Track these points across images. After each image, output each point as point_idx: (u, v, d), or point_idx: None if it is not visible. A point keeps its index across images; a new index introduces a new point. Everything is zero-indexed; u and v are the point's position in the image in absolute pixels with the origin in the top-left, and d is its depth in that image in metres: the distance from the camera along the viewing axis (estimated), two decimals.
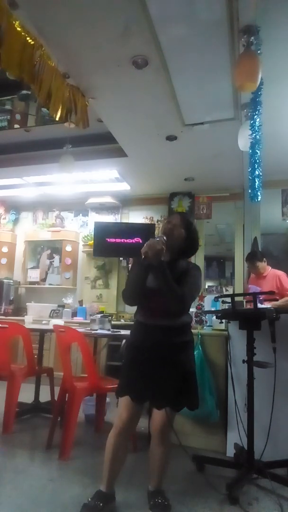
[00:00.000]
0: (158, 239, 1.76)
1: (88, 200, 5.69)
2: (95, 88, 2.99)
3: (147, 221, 5.36)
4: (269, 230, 5.64)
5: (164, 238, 1.79)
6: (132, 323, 2.04)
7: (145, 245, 1.75)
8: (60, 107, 2.75)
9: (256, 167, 2.71)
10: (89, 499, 1.78)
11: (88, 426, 3.10)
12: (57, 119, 2.80)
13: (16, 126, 4.09)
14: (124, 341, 2.95)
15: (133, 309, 2.01)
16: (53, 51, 2.57)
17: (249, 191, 2.81)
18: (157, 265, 1.73)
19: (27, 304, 5.44)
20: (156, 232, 2.02)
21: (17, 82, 3.07)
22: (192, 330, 2.88)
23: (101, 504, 1.76)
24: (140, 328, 1.91)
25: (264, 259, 3.90)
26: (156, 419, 1.81)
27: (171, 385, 1.77)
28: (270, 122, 3.10)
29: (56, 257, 5.93)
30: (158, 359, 1.79)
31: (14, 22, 2.29)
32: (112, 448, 1.79)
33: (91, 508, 1.74)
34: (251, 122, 2.65)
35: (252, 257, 3.91)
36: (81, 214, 6.01)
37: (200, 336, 2.81)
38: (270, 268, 3.96)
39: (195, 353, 2.71)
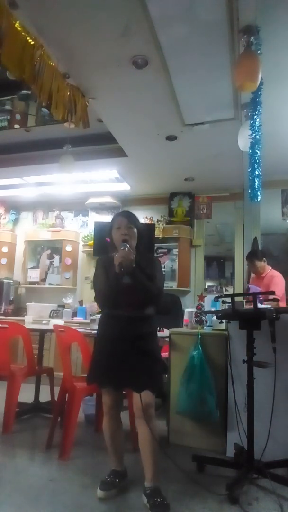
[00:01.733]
0: (123, 248, 1.93)
1: (88, 200, 5.69)
2: (95, 88, 2.99)
3: (147, 221, 5.35)
4: (269, 230, 5.65)
5: (127, 245, 1.95)
6: None
7: (117, 256, 1.93)
8: (61, 107, 2.75)
9: (256, 167, 2.71)
10: (106, 477, 2.02)
11: (88, 426, 3.10)
12: (59, 119, 2.80)
13: (16, 126, 4.09)
14: None
15: None
16: (53, 51, 2.57)
17: (249, 191, 2.81)
18: (132, 272, 1.93)
19: (27, 304, 5.44)
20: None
21: (17, 82, 3.08)
22: (192, 330, 2.93)
23: (117, 480, 2.02)
24: (111, 320, 2.05)
25: (264, 259, 3.89)
26: (138, 401, 1.89)
27: (134, 370, 1.92)
28: (270, 122, 3.10)
29: (56, 257, 5.93)
30: (125, 348, 1.94)
31: (14, 22, 2.29)
32: (109, 431, 2.05)
33: (109, 484, 1.98)
34: (251, 122, 2.65)
35: (252, 256, 3.90)
36: (81, 214, 6.01)
37: (200, 336, 2.81)
38: (271, 268, 3.95)
39: (195, 353, 2.75)
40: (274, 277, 3.78)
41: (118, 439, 2.08)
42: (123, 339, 1.97)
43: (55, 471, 2.30)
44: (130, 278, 1.95)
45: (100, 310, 4.38)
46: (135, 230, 2.09)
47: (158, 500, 1.80)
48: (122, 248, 1.95)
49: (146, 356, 1.96)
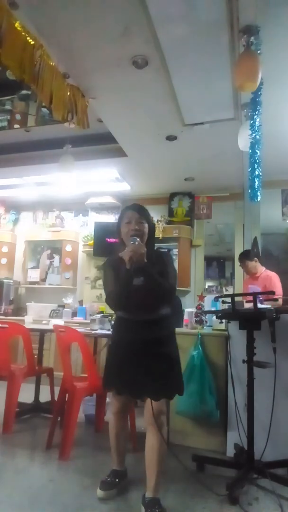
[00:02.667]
0: (133, 242, 1.82)
1: (88, 200, 5.69)
2: (95, 88, 2.99)
3: None
4: (269, 230, 5.65)
5: (138, 239, 1.84)
6: None
7: (127, 251, 1.81)
8: (61, 107, 2.75)
9: (256, 167, 2.71)
10: (106, 477, 2.00)
11: (88, 426, 3.10)
12: (59, 119, 2.80)
13: (16, 126, 4.09)
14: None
15: None
16: (53, 51, 2.57)
17: (249, 191, 2.81)
18: (143, 267, 1.81)
19: (27, 304, 5.44)
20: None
21: (17, 82, 3.08)
22: (192, 330, 2.93)
23: (117, 480, 1.99)
24: (123, 323, 1.96)
25: (256, 259, 3.94)
26: (150, 407, 1.82)
27: (152, 377, 1.83)
28: (270, 122, 3.10)
29: (56, 257, 5.93)
30: (142, 353, 1.85)
31: (14, 22, 2.29)
32: (114, 430, 2.03)
33: (109, 484, 1.96)
34: (251, 122, 2.64)
35: (243, 257, 3.93)
36: (81, 214, 6.01)
37: (200, 336, 2.81)
38: (264, 269, 4.02)
39: (195, 353, 2.74)
40: (271, 277, 3.83)
41: (122, 440, 2.07)
42: (138, 344, 1.87)
43: (55, 471, 2.30)
44: (141, 274, 1.83)
45: (100, 311, 4.33)
46: (146, 225, 1.96)
47: (156, 511, 1.72)
48: (132, 242, 1.83)
49: (163, 362, 1.86)
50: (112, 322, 3.61)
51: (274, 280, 3.80)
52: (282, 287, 3.82)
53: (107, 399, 3.10)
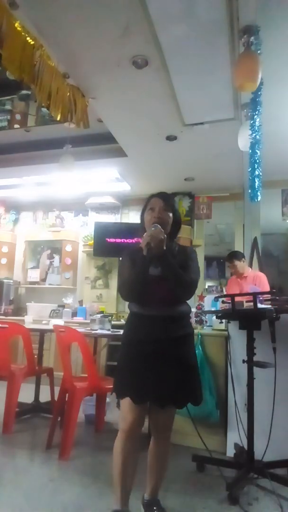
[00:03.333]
0: (154, 228, 1.67)
1: (88, 200, 5.69)
2: (95, 88, 2.99)
3: None
4: (269, 230, 5.65)
5: (159, 226, 1.68)
6: None
7: (145, 236, 1.66)
8: (61, 107, 2.75)
9: (256, 167, 2.71)
10: None
11: (88, 426, 3.10)
12: (58, 119, 2.80)
13: (16, 126, 4.09)
14: None
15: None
16: (53, 51, 2.57)
17: (249, 191, 2.81)
18: (162, 255, 1.65)
19: (27, 304, 5.44)
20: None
21: (17, 82, 3.08)
22: None
23: None
24: (138, 320, 1.73)
25: (243, 259, 3.98)
26: (158, 418, 1.72)
27: (175, 382, 1.64)
28: (270, 122, 3.10)
29: (56, 257, 5.93)
30: (160, 354, 1.65)
31: (14, 22, 2.29)
32: (122, 456, 1.62)
33: None
34: (251, 122, 2.64)
35: (232, 257, 3.96)
36: (81, 214, 6.02)
37: (200, 336, 2.81)
38: (251, 269, 4.10)
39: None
40: (260, 277, 3.89)
41: (132, 469, 1.66)
42: (155, 343, 1.65)
43: (55, 471, 2.30)
44: (159, 263, 1.67)
45: (100, 311, 4.30)
46: (171, 215, 1.77)
47: (156, 510, 1.73)
48: (153, 228, 1.67)
49: (177, 365, 1.67)
50: (113, 322, 3.62)
51: (264, 280, 3.87)
52: (282, 287, 3.85)
53: (107, 399, 3.10)
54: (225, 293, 4.52)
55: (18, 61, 2.35)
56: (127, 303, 1.83)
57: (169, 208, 1.77)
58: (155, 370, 1.63)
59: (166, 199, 1.79)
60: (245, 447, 2.25)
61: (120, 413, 1.70)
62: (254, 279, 3.84)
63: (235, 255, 3.98)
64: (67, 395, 2.68)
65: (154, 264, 1.68)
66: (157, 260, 1.67)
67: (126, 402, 1.65)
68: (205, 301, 3.21)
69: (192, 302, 3.28)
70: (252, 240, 4.93)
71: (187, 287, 1.70)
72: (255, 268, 4.66)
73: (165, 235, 1.67)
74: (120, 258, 1.90)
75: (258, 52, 2.29)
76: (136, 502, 1.82)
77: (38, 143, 4.39)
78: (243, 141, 2.94)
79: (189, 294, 1.73)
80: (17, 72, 2.39)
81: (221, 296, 2.65)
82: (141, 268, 1.67)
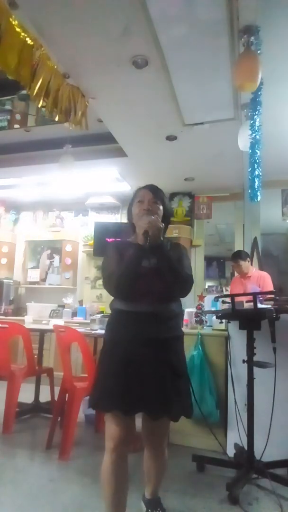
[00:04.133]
0: (150, 217, 1.55)
1: (88, 200, 5.69)
2: (95, 88, 2.99)
3: None
4: (269, 230, 5.65)
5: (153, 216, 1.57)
6: None
7: (142, 223, 1.52)
8: (60, 107, 2.75)
9: (256, 167, 2.71)
10: None
11: (88, 426, 3.10)
12: (56, 119, 2.80)
13: (16, 126, 4.09)
14: None
15: None
16: (53, 51, 2.57)
17: (249, 191, 2.81)
18: (159, 245, 1.51)
19: (27, 304, 5.44)
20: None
21: (17, 82, 3.07)
22: (192, 330, 2.93)
23: None
24: (125, 319, 1.54)
25: (248, 259, 3.99)
26: (153, 429, 1.59)
27: (167, 390, 1.47)
28: (270, 122, 3.10)
29: (56, 257, 5.93)
30: (149, 358, 1.47)
31: (13, 22, 2.29)
32: (112, 477, 1.46)
33: None
34: (251, 122, 2.64)
35: (236, 257, 3.96)
36: (81, 214, 6.02)
37: (200, 336, 2.81)
38: (255, 269, 4.12)
39: (195, 353, 2.74)
40: (264, 277, 3.90)
41: (123, 491, 1.52)
42: (143, 346, 1.48)
43: (55, 471, 2.30)
44: (156, 254, 1.51)
45: (100, 311, 4.26)
46: (161, 208, 1.65)
47: (158, 510, 1.72)
48: (147, 216, 1.55)
49: (176, 372, 1.52)
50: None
51: (268, 280, 3.88)
52: (281, 287, 3.86)
53: None
54: (228, 293, 4.52)
55: (15, 61, 2.35)
56: (112, 300, 1.65)
57: (158, 201, 1.66)
58: (144, 376, 1.45)
59: (155, 191, 1.69)
60: (245, 447, 2.25)
61: (106, 429, 1.49)
62: (258, 279, 3.84)
63: (239, 255, 3.97)
64: (67, 395, 2.68)
65: (146, 256, 1.52)
66: (152, 252, 1.50)
67: (111, 416, 1.47)
68: (205, 301, 3.21)
69: (192, 302, 3.29)
70: (252, 240, 4.93)
71: (184, 282, 1.56)
72: (255, 268, 4.66)
73: (163, 224, 1.56)
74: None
75: (258, 52, 2.29)
76: (136, 502, 1.82)
77: (38, 143, 4.39)
78: (243, 141, 2.94)
79: (186, 290, 1.58)
80: (14, 74, 2.38)
81: (221, 296, 2.65)
82: (134, 259, 1.51)
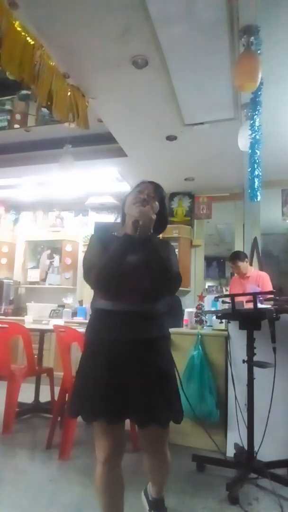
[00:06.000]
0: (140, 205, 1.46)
1: (88, 200, 5.69)
2: (95, 88, 2.99)
3: None
4: (269, 230, 5.66)
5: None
6: None
7: (133, 212, 1.43)
8: (63, 107, 2.75)
9: (256, 167, 2.71)
10: None
11: (88, 426, 3.08)
12: (60, 119, 2.80)
13: (16, 126, 4.09)
14: None
15: None
16: (53, 51, 2.57)
17: (249, 191, 2.81)
18: (149, 237, 1.41)
19: (27, 304, 5.44)
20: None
21: (17, 82, 3.07)
22: (192, 330, 2.93)
23: None
24: (106, 318, 1.44)
25: (246, 259, 3.99)
26: (145, 437, 1.50)
27: (154, 395, 1.37)
28: (270, 122, 3.10)
29: (56, 257, 5.93)
30: (133, 359, 1.38)
31: (14, 22, 2.29)
32: (105, 488, 1.39)
33: None
34: (251, 122, 2.65)
35: (235, 258, 3.96)
36: (81, 214, 6.02)
37: (200, 336, 2.81)
38: (254, 269, 4.10)
39: (195, 353, 2.74)
40: (263, 277, 3.90)
41: (119, 500, 1.44)
42: (127, 346, 1.38)
43: (55, 471, 2.30)
44: (145, 247, 1.41)
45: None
46: (158, 205, 1.54)
47: (162, 510, 1.70)
48: (140, 205, 1.45)
49: (163, 374, 1.42)
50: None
51: (267, 280, 3.87)
52: (282, 287, 3.85)
53: None
54: (227, 293, 4.53)
55: (18, 61, 2.35)
56: (93, 299, 1.57)
57: (157, 197, 1.55)
58: (128, 380, 1.35)
59: (157, 187, 1.60)
60: (245, 447, 2.25)
61: (95, 440, 1.42)
62: (257, 279, 3.84)
63: (238, 256, 3.97)
64: (67, 395, 2.68)
65: (133, 249, 1.41)
66: (140, 245, 1.40)
67: (97, 425, 1.38)
68: (205, 301, 3.21)
69: (192, 302, 3.29)
70: (252, 240, 4.93)
71: (174, 280, 1.44)
72: (255, 268, 4.66)
73: (155, 215, 1.44)
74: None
75: (258, 52, 2.29)
76: (136, 502, 1.82)
77: (38, 143, 4.39)
78: (243, 141, 2.94)
79: (175, 287, 1.46)
80: (16, 72, 2.39)
81: (221, 296, 2.65)
82: (120, 250, 1.40)
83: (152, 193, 1.55)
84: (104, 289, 1.46)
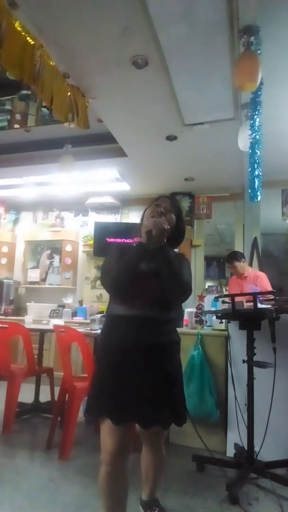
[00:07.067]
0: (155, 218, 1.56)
1: (88, 200, 5.69)
2: (95, 88, 2.99)
3: None
4: (269, 230, 5.66)
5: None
6: None
7: (147, 223, 1.51)
8: (63, 107, 2.75)
9: (256, 167, 2.71)
10: None
11: (88, 426, 3.09)
12: (61, 119, 2.80)
13: (16, 126, 4.09)
14: None
15: None
16: (53, 51, 2.57)
17: (249, 191, 2.81)
18: (161, 247, 1.49)
19: (27, 304, 5.44)
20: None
21: (17, 82, 3.07)
22: (192, 330, 2.93)
23: None
24: (119, 323, 1.52)
25: (243, 259, 3.99)
26: (151, 433, 1.57)
27: (160, 399, 1.45)
28: (270, 122, 3.10)
29: (56, 257, 5.93)
30: (143, 364, 1.45)
31: (14, 22, 2.29)
32: (109, 488, 1.42)
33: None
34: (251, 122, 2.64)
35: (231, 258, 3.96)
36: (81, 214, 6.01)
37: (200, 336, 2.81)
38: (251, 269, 4.11)
39: (195, 353, 2.74)
40: (261, 277, 3.90)
41: (122, 500, 1.48)
42: (138, 351, 1.45)
43: (55, 471, 2.30)
44: (157, 256, 1.49)
45: (100, 311, 4.24)
46: (174, 217, 1.64)
47: (156, 509, 1.72)
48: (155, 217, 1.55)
49: (170, 379, 1.50)
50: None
51: (264, 280, 3.88)
52: (281, 287, 3.85)
53: None
54: (227, 293, 4.53)
55: (18, 61, 2.35)
56: (108, 305, 1.65)
57: (173, 210, 1.65)
58: (136, 384, 1.43)
59: (173, 201, 1.70)
60: (245, 447, 2.25)
61: (101, 440, 1.45)
62: (255, 279, 3.85)
63: (234, 256, 3.98)
64: (67, 395, 2.68)
65: (146, 258, 1.51)
66: (153, 255, 1.49)
67: (104, 425, 1.43)
68: (205, 301, 3.21)
69: (192, 302, 3.29)
70: (252, 240, 4.93)
71: (183, 289, 1.52)
72: (255, 268, 4.67)
73: (168, 226, 1.53)
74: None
75: (258, 52, 2.29)
76: (134, 504, 1.82)
77: (38, 143, 4.39)
78: (243, 141, 2.94)
79: (183, 296, 1.55)
80: (16, 72, 2.39)
81: (221, 296, 2.65)
82: (134, 257, 1.49)
83: (169, 206, 1.64)
84: (118, 293, 1.55)
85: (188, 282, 1.56)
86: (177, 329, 1.66)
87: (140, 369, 1.45)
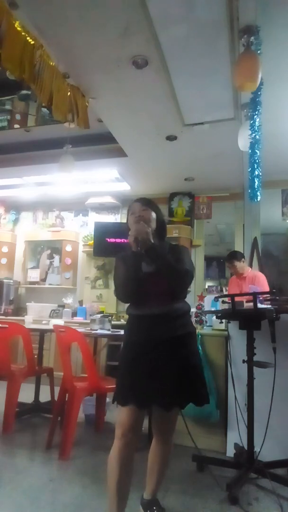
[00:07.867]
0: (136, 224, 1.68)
1: (88, 200, 5.69)
2: (95, 88, 2.99)
3: None
4: (269, 230, 5.65)
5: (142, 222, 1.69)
6: None
7: (131, 234, 1.63)
8: (63, 107, 2.75)
9: (255, 167, 2.71)
10: None
11: (88, 426, 3.10)
12: (60, 119, 2.80)
13: (16, 126, 4.09)
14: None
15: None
16: (53, 51, 2.57)
17: (249, 191, 2.81)
18: (150, 247, 1.60)
19: (27, 304, 5.44)
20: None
21: (17, 82, 3.08)
22: None
23: None
24: (137, 322, 1.70)
25: (243, 259, 3.99)
26: (163, 421, 1.72)
27: (179, 384, 1.60)
28: (270, 122, 3.11)
29: (56, 257, 5.93)
30: (162, 356, 1.61)
31: (14, 22, 2.29)
32: (119, 465, 1.53)
33: None
34: (251, 122, 2.65)
35: (231, 257, 3.97)
36: (81, 214, 6.02)
37: (200, 336, 2.81)
38: (250, 269, 4.11)
39: None
40: (259, 277, 3.90)
41: (129, 478, 1.58)
42: (156, 345, 1.61)
43: (55, 471, 2.30)
44: (149, 255, 1.61)
45: (100, 311, 4.28)
46: (152, 213, 1.76)
47: (156, 509, 1.75)
48: (136, 224, 1.68)
49: (188, 366, 1.64)
50: (113, 322, 3.63)
51: (262, 280, 3.88)
52: (281, 287, 3.86)
53: (107, 399, 3.10)
54: (227, 293, 4.53)
55: (18, 61, 2.35)
56: (127, 306, 1.80)
57: (147, 208, 1.76)
58: (158, 373, 1.58)
59: (143, 200, 1.80)
60: (245, 447, 2.25)
61: (117, 418, 1.60)
62: (253, 280, 3.85)
63: (234, 256, 3.99)
64: (67, 395, 2.68)
65: (146, 261, 1.64)
66: (147, 255, 1.61)
67: (126, 407, 1.58)
68: (205, 301, 3.21)
69: (192, 302, 3.29)
70: (252, 240, 4.93)
71: (182, 277, 1.64)
72: (255, 268, 4.67)
73: (150, 228, 1.65)
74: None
75: (258, 52, 2.29)
76: (135, 503, 1.82)
77: (38, 143, 4.39)
78: (243, 141, 2.94)
79: (184, 284, 1.67)
80: (17, 72, 2.39)
81: (221, 296, 2.65)
82: (132, 263, 1.62)
83: (141, 207, 1.76)
84: (131, 301, 1.74)
85: (189, 267, 1.67)
86: None
87: (160, 360, 1.60)
